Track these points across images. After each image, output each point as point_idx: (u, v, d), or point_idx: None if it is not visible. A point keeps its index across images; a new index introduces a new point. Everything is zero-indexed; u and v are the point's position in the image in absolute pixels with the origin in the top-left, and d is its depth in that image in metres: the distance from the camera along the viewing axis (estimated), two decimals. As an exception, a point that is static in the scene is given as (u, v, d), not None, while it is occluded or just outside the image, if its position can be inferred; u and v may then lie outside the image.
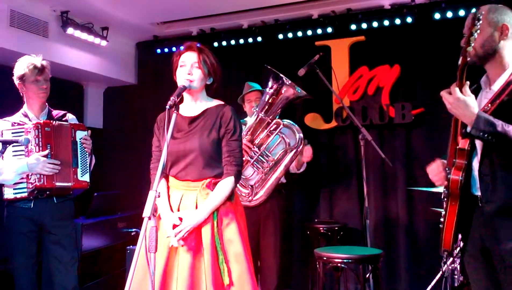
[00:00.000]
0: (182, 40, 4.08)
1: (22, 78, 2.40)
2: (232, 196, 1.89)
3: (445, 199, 1.68)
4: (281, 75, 2.77)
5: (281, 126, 2.83)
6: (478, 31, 1.49)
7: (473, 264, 1.68)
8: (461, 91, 1.52)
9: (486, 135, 1.50)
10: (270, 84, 2.84)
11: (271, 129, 2.85)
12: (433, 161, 1.77)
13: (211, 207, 1.82)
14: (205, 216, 1.81)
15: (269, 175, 2.82)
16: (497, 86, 1.63)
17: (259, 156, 2.81)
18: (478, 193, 1.60)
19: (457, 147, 1.60)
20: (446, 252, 1.63)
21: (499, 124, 1.49)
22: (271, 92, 2.82)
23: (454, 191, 1.58)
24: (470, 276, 1.71)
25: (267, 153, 2.83)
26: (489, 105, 1.59)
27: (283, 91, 2.80)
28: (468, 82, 1.53)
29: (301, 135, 2.84)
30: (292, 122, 2.91)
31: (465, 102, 1.51)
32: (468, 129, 1.54)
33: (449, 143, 1.64)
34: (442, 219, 1.67)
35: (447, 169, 1.65)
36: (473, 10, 1.66)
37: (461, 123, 1.60)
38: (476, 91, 1.72)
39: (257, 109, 2.85)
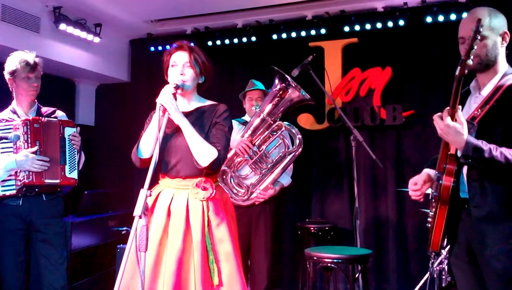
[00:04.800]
0: (176, 38, 4.06)
1: (13, 73, 2.37)
2: (217, 182, 1.90)
3: (433, 201, 1.69)
4: (287, 76, 2.76)
5: (283, 128, 2.83)
6: (478, 41, 1.45)
7: (459, 265, 1.70)
8: (453, 116, 1.50)
9: (474, 162, 1.51)
10: (275, 85, 2.82)
11: (272, 130, 2.84)
12: (417, 174, 1.78)
13: (188, 127, 1.79)
14: (180, 121, 1.79)
15: (266, 176, 2.82)
16: (486, 91, 1.63)
17: (259, 157, 2.81)
18: (466, 196, 1.62)
19: (449, 153, 1.60)
20: (434, 253, 1.65)
21: (487, 150, 1.49)
22: (276, 93, 2.79)
23: (444, 196, 1.58)
24: (456, 277, 1.73)
25: (267, 154, 2.83)
26: (479, 110, 1.58)
27: (288, 93, 2.78)
28: (460, 107, 1.51)
29: (301, 138, 2.84)
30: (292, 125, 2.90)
31: (455, 129, 1.50)
32: (459, 154, 1.55)
33: (441, 147, 1.64)
34: (429, 220, 1.69)
35: (437, 173, 1.65)
36: (465, 14, 1.66)
37: None
38: (465, 96, 1.72)
39: (258, 109, 2.84)
